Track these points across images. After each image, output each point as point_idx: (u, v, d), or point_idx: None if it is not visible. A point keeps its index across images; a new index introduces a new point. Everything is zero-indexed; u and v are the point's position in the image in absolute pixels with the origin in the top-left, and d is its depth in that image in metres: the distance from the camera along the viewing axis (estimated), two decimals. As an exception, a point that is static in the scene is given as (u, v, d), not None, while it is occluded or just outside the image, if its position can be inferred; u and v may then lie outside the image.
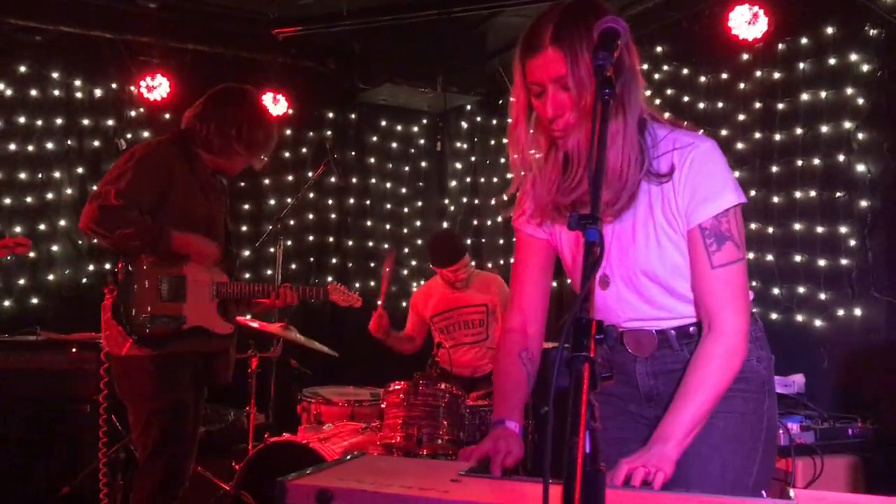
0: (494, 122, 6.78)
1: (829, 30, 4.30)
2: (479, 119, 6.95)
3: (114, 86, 5.84)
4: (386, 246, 4.00)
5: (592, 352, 1.11)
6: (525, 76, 1.80)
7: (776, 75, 4.54)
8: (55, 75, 5.67)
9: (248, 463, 3.88)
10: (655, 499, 1.43)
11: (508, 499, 1.41)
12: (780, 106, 4.51)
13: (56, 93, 5.68)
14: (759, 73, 4.64)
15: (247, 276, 6.10)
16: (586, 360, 1.10)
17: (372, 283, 6.79)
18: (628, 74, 1.74)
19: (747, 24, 4.31)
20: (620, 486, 1.54)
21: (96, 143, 5.79)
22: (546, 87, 1.76)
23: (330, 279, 6.67)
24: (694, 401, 1.74)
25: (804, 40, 4.42)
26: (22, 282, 5.49)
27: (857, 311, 4.09)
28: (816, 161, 4.32)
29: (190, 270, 3.21)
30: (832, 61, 4.28)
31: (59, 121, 5.67)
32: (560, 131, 1.79)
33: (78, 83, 5.75)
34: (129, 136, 5.85)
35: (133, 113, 5.89)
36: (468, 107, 6.93)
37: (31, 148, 5.57)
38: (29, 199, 5.55)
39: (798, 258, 4.37)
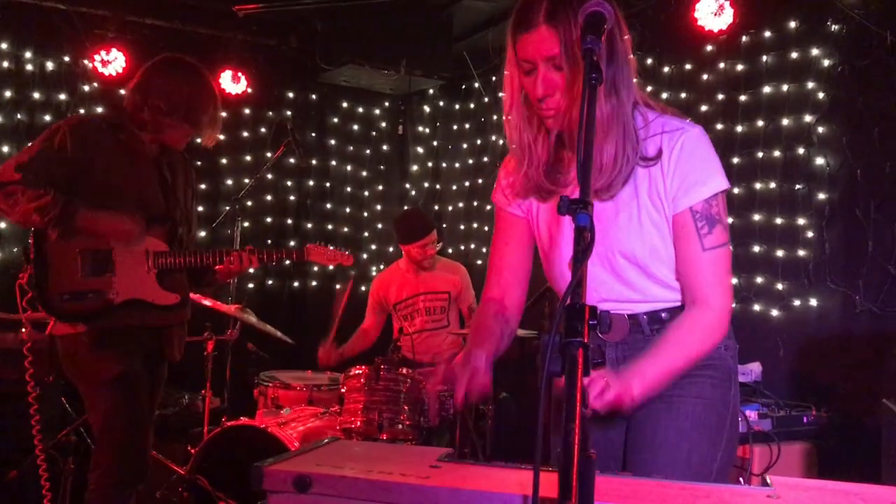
0: (457, 106, 6.75)
1: (792, 24, 4.36)
2: (441, 104, 6.91)
3: (66, 59, 5.65)
4: (347, 261, 3.87)
5: (587, 337, 1.09)
6: (516, 52, 1.77)
7: (739, 67, 4.59)
8: (4, 46, 5.46)
9: (204, 447, 3.82)
10: (639, 485, 1.43)
11: (488, 484, 1.40)
12: (743, 98, 4.57)
13: (5, 64, 5.48)
14: (722, 65, 4.68)
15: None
16: (580, 345, 1.09)
17: (330, 268, 6.73)
18: (621, 59, 1.73)
19: (713, 16, 4.34)
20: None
21: (48, 118, 5.59)
22: (537, 65, 1.73)
23: (288, 263, 6.59)
24: (670, 354, 1.76)
25: (767, 33, 4.47)
26: (-33, 259, 5.32)
27: (814, 302, 4.18)
28: (777, 153, 4.39)
29: (119, 242, 3.05)
30: (794, 55, 4.34)
31: (7, 93, 5.47)
32: (549, 110, 1.76)
33: (28, 55, 5.55)
34: (81, 111, 5.67)
35: (87, 87, 5.71)
36: (431, 91, 6.88)
37: (-22, 121, 5.38)
38: (-24, 174, 5.36)
39: (756, 248, 4.43)
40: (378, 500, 1.33)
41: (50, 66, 5.62)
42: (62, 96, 5.65)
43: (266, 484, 1.37)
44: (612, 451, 1.97)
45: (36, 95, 5.57)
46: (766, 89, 4.46)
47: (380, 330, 5.05)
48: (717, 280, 1.81)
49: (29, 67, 5.55)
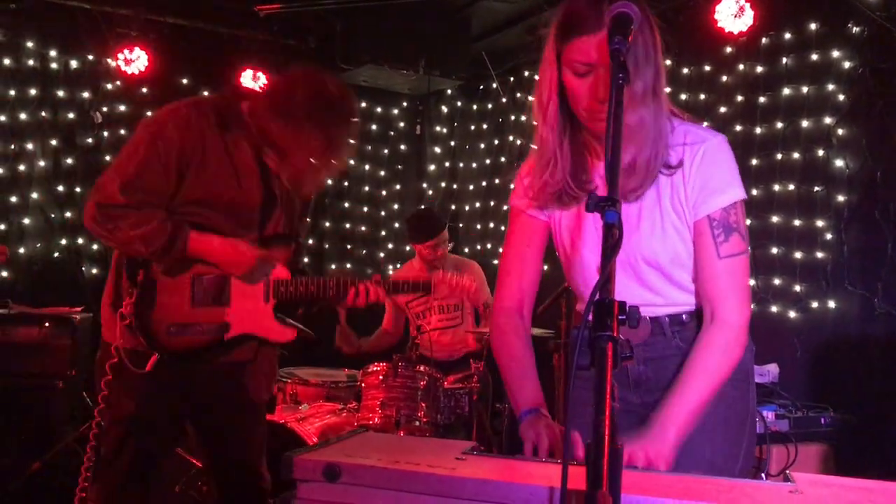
0: (475, 107, 6.78)
1: (813, 26, 4.36)
2: (459, 104, 6.94)
3: (90, 57, 5.72)
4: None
5: (616, 331, 1.12)
6: (561, 54, 1.75)
7: (759, 69, 4.59)
8: (30, 44, 5.55)
9: (225, 441, 3.85)
10: (666, 480, 1.45)
11: (514, 476, 1.43)
12: (762, 100, 4.57)
13: (31, 62, 5.56)
14: (741, 67, 4.68)
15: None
16: (610, 339, 1.11)
17: (348, 265, 6.78)
18: (660, 63, 1.75)
19: (733, 17, 4.34)
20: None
21: (71, 116, 5.67)
22: (597, 67, 1.71)
23: (306, 260, 6.64)
24: (695, 388, 1.76)
25: (787, 35, 4.47)
26: (-9, 254, 5.39)
27: (831, 304, 4.17)
28: (796, 155, 4.39)
29: (239, 273, 2.60)
30: (814, 57, 4.34)
31: (33, 91, 5.55)
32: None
33: (53, 53, 5.63)
34: (104, 108, 5.75)
35: (109, 86, 5.78)
36: (449, 91, 6.91)
37: (3, 118, 5.44)
38: (0, 171, 5.43)
39: (775, 250, 4.43)
40: (405, 490, 1.36)
41: (74, 64, 5.69)
42: (86, 94, 5.72)
43: (296, 473, 1.40)
44: None
45: (60, 93, 5.64)
46: (786, 91, 4.45)
47: (400, 330, 5.07)
48: (734, 290, 1.81)
49: (53, 66, 5.63)
